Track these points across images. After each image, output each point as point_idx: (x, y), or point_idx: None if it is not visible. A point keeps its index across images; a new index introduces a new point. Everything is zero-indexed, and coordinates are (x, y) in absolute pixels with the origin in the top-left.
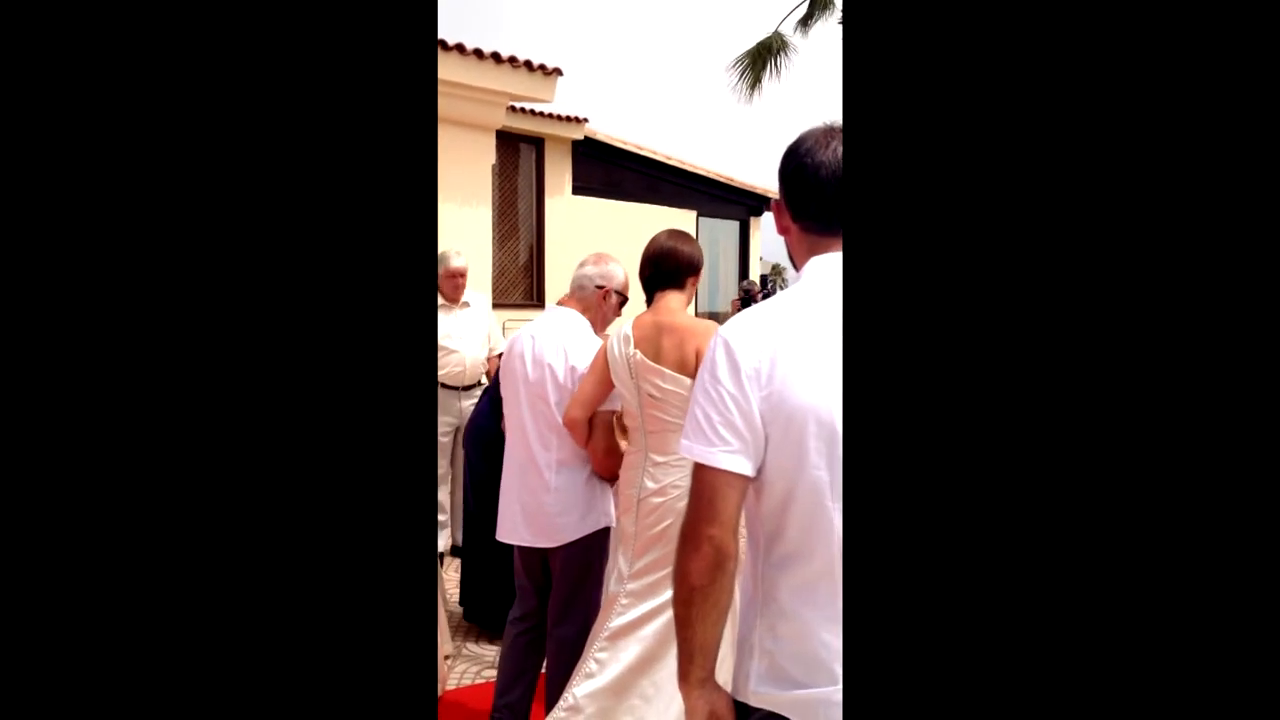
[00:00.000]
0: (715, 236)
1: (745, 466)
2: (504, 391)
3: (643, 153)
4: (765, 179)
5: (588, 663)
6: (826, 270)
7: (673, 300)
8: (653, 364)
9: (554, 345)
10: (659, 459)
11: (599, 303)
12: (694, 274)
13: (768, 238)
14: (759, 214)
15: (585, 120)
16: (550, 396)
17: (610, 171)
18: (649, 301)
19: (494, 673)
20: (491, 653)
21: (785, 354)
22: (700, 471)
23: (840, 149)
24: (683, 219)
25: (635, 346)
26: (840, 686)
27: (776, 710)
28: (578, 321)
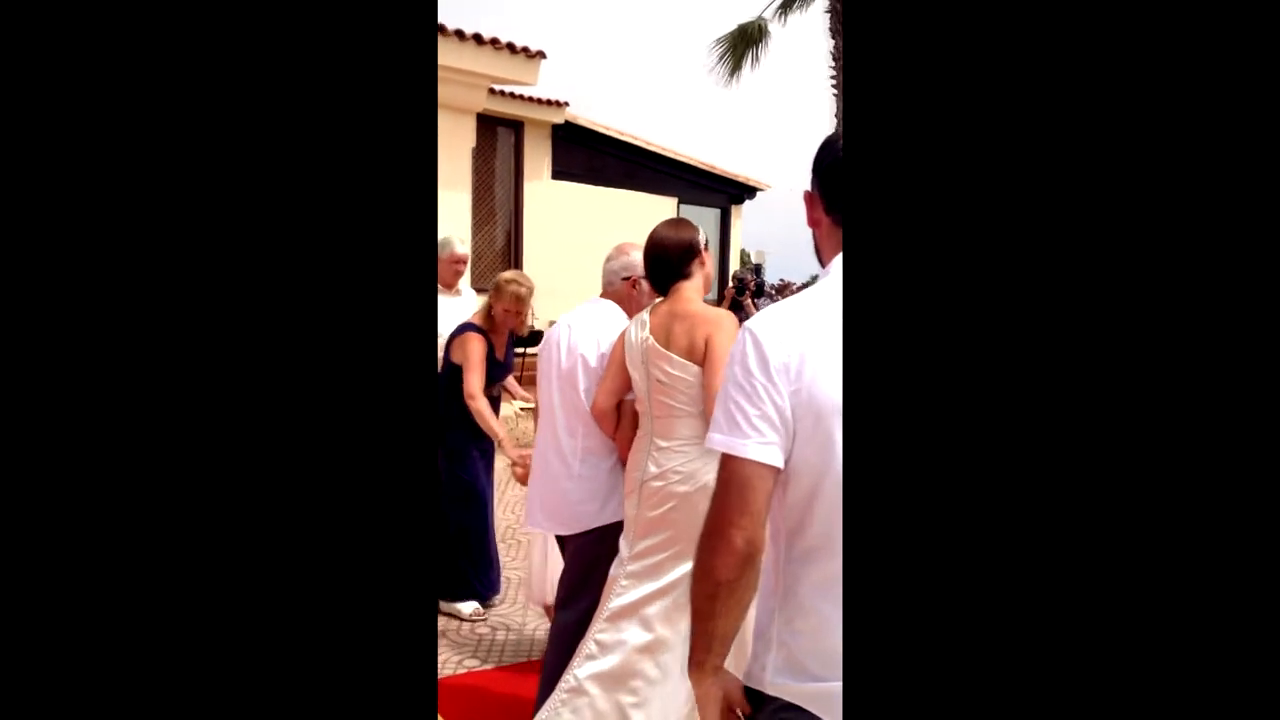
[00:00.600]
0: (696, 224)
1: (776, 458)
2: (539, 379)
3: (623, 138)
4: (746, 167)
5: (588, 644)
6: None
7: (686, 289)
8: (662, 349)
9: (588, 334)
10: (663, 444)
11: (629, 292)
12: (695, 258)
13: (748, 227)
14: (740, 202)
15: (565, 104)
16: (580, 384)
17: (590, 156)
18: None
19: (476, 661)
20: (474, 641)
21: (814, 350)
22: (730, 463)
23: None
24: (663, 206)
25: (649, 332)
26: None
27: (794, 701)
28: (613, 311)
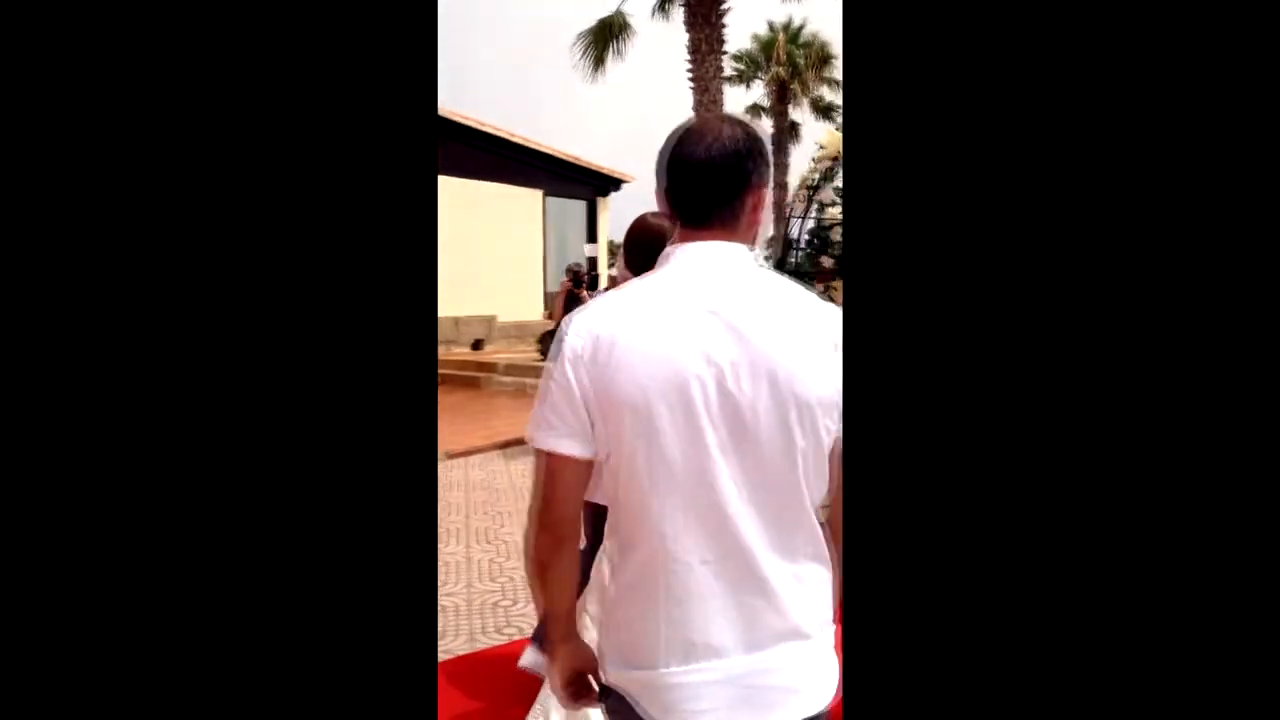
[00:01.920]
0: (562, 216)
1: (577, 448)
2: None
3: (485, 129)
4: (612, 160)
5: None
6: (690, 257)
7: None
8: None
9: None
10: None
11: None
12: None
13: (615, 219)
14: (605, 194)
15: None
16: None
17: (453, 148)
18: None
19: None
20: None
21: (626, 337)
22: (539, 454)
23: (715, 143)
24: (529, 198)
25: None
26: (672, 670)
27: (620, 690)
28: None
